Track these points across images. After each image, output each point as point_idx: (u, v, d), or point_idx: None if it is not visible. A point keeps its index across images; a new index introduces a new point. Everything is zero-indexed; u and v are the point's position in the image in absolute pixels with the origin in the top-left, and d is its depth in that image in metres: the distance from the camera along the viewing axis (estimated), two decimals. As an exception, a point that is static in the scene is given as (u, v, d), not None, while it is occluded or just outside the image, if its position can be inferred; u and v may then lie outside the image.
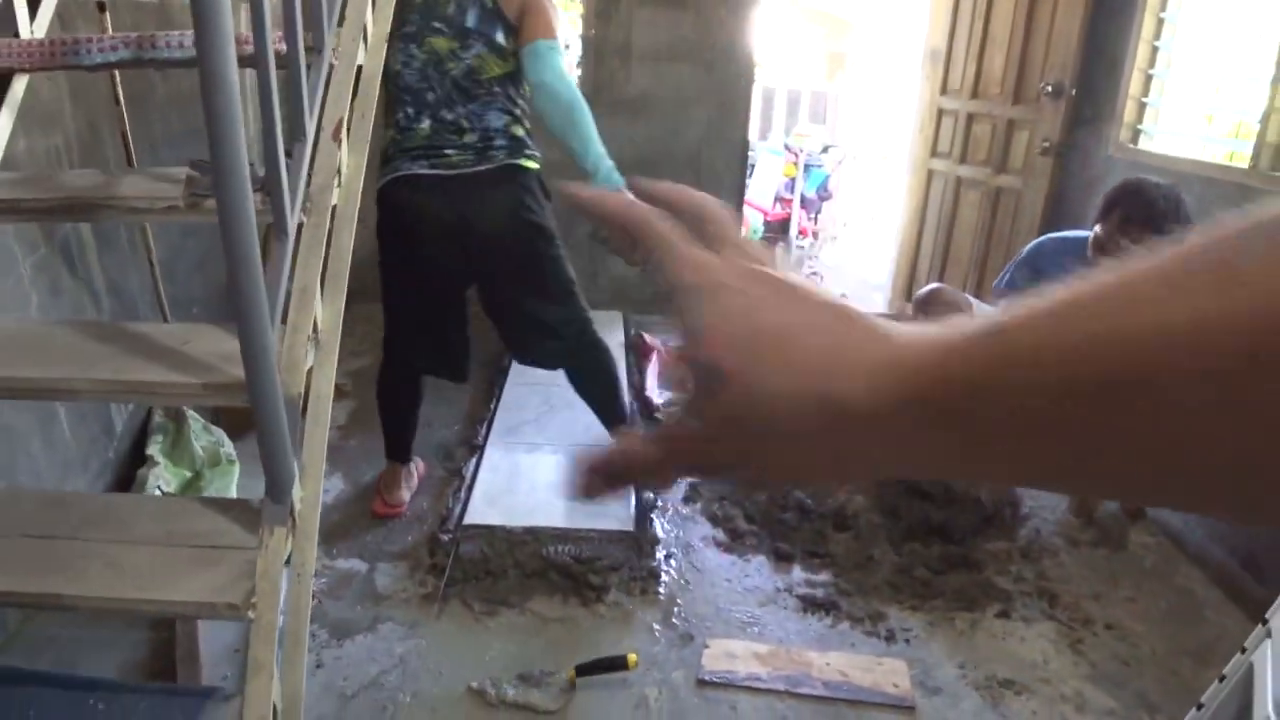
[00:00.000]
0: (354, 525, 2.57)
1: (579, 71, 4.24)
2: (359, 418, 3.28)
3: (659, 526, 2.53)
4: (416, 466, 2.75)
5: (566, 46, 2.48)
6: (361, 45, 1.93)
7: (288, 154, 1.56)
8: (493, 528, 2.37)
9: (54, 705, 1.53)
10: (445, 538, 2.39)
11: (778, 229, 5.48)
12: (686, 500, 2.69)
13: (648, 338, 3.75)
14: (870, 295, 5.10)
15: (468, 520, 2.42)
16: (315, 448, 1.71)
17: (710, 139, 4.26)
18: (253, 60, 1.44)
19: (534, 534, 2.34)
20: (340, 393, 3.49)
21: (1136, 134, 3.22)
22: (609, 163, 2.27)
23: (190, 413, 2.83)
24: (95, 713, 1.54)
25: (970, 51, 3.92)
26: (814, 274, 5.53)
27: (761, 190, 5.43)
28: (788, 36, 8.46)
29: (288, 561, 1.62)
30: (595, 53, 4.12)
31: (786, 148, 5.54)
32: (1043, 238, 2.83)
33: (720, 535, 2.52)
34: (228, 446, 2.85)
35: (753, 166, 5.57)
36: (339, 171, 1.85)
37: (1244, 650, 1.59)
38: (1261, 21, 2.81)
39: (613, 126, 4.21)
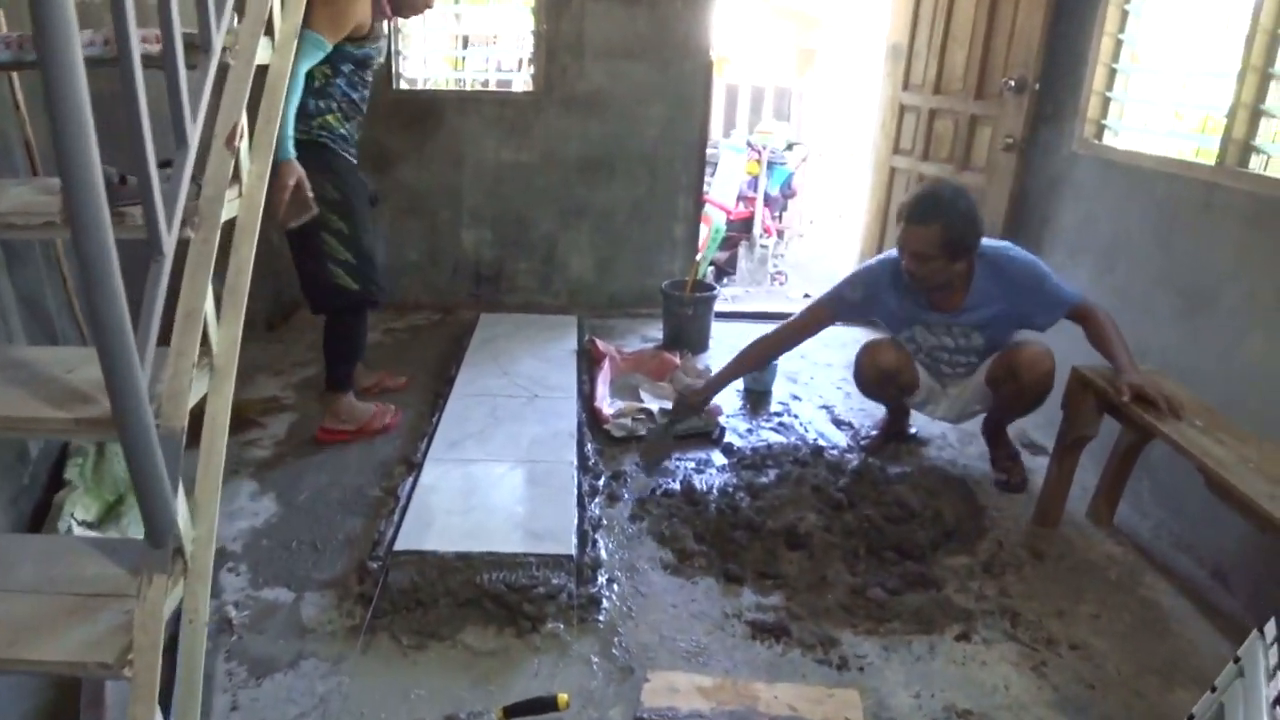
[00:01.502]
0: (283, 551, 2.43)
1: (531, 69, 4.09)
2: (299, 431, 3.13)
3: (602, 548, 2.40)
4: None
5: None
6: (266, 42, 1.79)
7: (165, 164, 1.42)
8: (424, 554, 2.23)
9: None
10: (374, 565, 2.25)
11: (741, 228, 5.35)
12: (633, 518, 2.57)
13: (600, 344, 3.61)
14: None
15: (398, 546, 2.27)
16: (209, 482, 1.57)
17: (667, 137, 4.13)
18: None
19: (467, 560, 2.20)
20: (280, 406, 3.34)
21: (1101, 130, 3.12)
22: (282, 137, 2.47)
23: (113, 432, 2.67)
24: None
25: (932, 47, 3.82)
26: (779, 273, 5.42)
27: (724, 189, 5.28)
28: (757, 33, 8.34)
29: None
30: (547, 48, 3.98)
31: (749, 145, 5.41)
32: (890, 260, 2.75)
33: (668, 556, 2.39)
34: (155, 466, 2.69)
35: (714, 165, 5.45)
36: (239, 180, 1.71)
37: (1214, 689, 1.49)
38: (1227, 13, 2.71)
39: (565, 124, 4.11)
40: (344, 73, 2.66)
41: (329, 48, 2.52)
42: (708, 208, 5.29)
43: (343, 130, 2.75)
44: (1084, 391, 2.41)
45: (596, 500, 2.62)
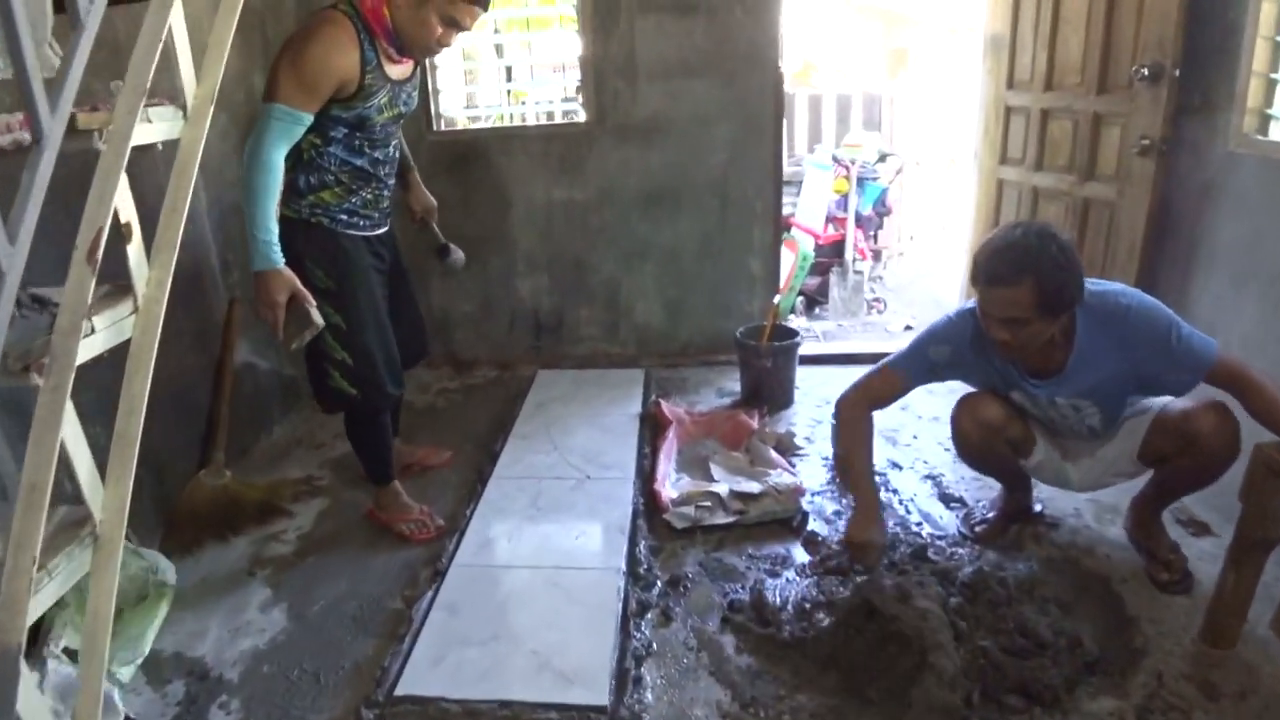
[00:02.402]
0: (283, 682, 2.08)
1: (579, 97, 3.70)
2: (327, 521, 2.81)
3: (648, 687, 1.95)
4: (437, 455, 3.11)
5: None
6: (171, 113, 1.44)
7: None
8: (427, 702, 1.85)
9: None
10: (370, 716, 1.88)
11: (831, 252, 4.82)
12: (690, 645, 2.10)
13: (666, 407, 3.16)
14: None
15: (400, 690, 1.90)
16: (90, 689, 1.21)
17: (736, 162, 3.67)
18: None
19: (474, 714, 1.81)
20: (312, 488, 3.04)
21: (1266, 121, 2.49)
22: (260, 239, 2.07)
23: (114, 539, 2.40)
24: None
25: (1040, 34, 3.23)
26: (876, 299, 4.86)
27: (810, 210, 4.78)
28: (842, 36, 7.76)
29: None
30: (595, 74, 3.58)
31: (835, 160, 4.88)
32: (969, 313, 2.22)
33: (727, 700, 1.92)
34: (163, 572, 2.41)
35: (799, 185, 4.95)
36: (134, 293, 1.35)
37: None
38: None
39: (622, 155, 3.69)
40: (337, 139, 2.23)
41: (307, 119, 2.09)
42: (793, 232, 4.81)
43: (347, 204, 2.32)
44: (1275, 483, 1.82)
45: (646, 619, 2.18)
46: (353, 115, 2.20)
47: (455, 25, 2.19)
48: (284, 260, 2.09)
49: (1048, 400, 2.21)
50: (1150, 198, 2.80)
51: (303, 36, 2.09)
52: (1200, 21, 2.65)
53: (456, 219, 3.77)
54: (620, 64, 3.56)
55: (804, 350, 3.61)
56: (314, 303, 2.13)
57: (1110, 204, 2.98)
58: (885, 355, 2.39)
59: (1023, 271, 1.93)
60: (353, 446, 2.65)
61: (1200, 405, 2.05)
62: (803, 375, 3.60)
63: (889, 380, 2.32)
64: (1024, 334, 2.01)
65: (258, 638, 2.26)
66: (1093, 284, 2.07)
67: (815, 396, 3.52)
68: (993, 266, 1.98)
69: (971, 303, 2.20)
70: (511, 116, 4.34)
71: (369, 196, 2.37)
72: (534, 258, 3.87)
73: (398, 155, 2.50)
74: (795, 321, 4.62)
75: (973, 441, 2.34)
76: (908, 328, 4.33)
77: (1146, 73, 2.75)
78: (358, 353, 2.37)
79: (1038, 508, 2.58)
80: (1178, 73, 2.69)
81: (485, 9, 2.24)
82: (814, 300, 4.88)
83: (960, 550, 2.37)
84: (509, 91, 4.55)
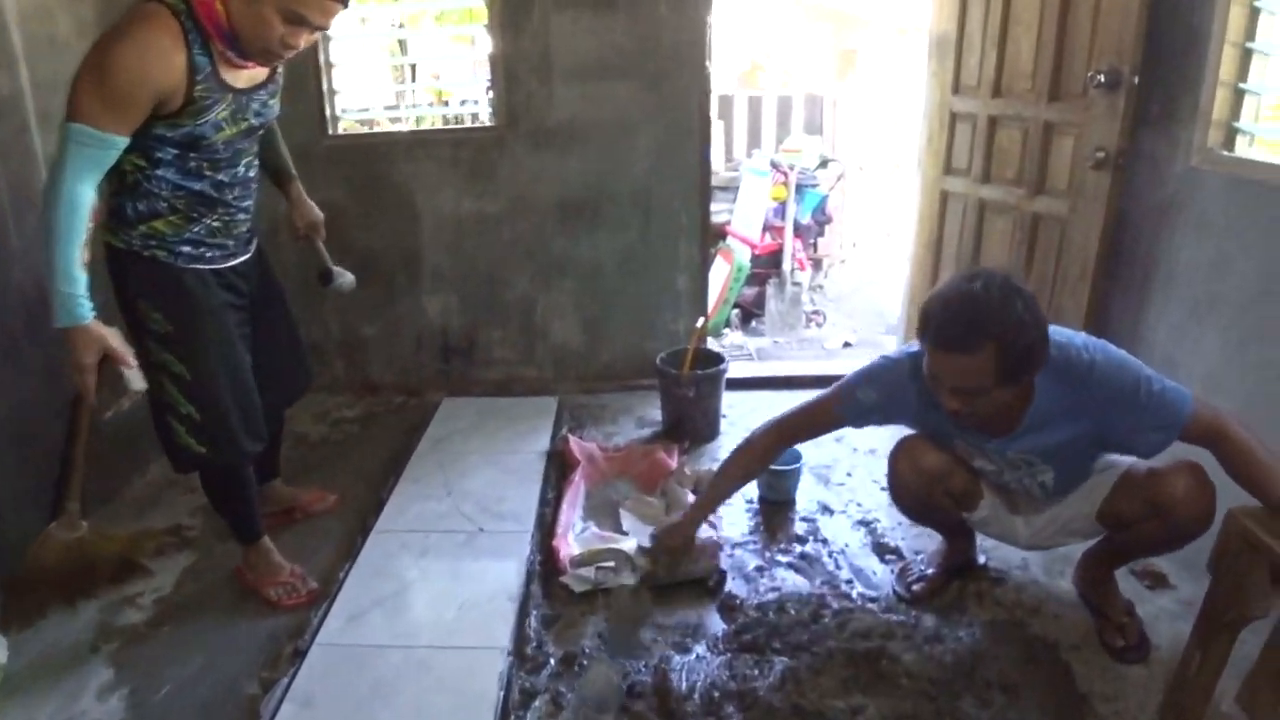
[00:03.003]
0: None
1: (490, 95, 3.37)
2: (190, 580, 2.46)
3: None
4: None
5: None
6: None
7: None
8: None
9: None
10: None
11: (769, 262, 4.55)
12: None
13: (574, 444, 2.85)
14: (882, 339, 4.16)
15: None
16: None
17: (661, 171, 3.37)
18: None
19: None
20: (180, 540, 2.68)
21: (1232, 135, 2.26)
22: (62, 292, 1.69)
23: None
24: None
25: (989, 35, 2.97)
26: (815, 312, 4.60)
27: (747, 219, 4.51)
28: (791, 37, 7.52)
29: None
30: (506, 73, 3.25)
31: (773, 165, 4.61)
32: (913, 357, 1.94)
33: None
34: (-3, 654, 2.07)
35: (736, 190, 4.68)
36: None
37: None
38: None
39: (536, 163, 3.36)
40: (165, 161, 1.86)
41: (118, 143, 1.72)
42: (729, 241, 4.54)
43: (188, 234, 1.94)
44: (1252, 557, 1.56)
45: (532, 708, 1.87)
46: (181, 134, 1.82)
47: (302, 23, 1.79)
48: (94, 314, 1.73)
49: (997, 454, 1.95)
50: (1105, 215, 2.56)
51: (111, 38, 1.69)
52: (1163, 25, 2.41)
53: (357, 231, 3.44)
54: (534, 63, 3.24)
55: (733, 373, 3.33)
56: (132, 364, 1.79)
57: (1061, 220, 2.73)
58: (821, 378, 2.19)
59: (983, 336, 1.62)
60: (211, 505, 2.32)
61: (1172, 468, 1.80)
62: (731, 401, 3.32)
63: (820, 413, 2.09)
64: (979, 403, 1.72)
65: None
66: (1053, 333, 1.77)
67: (743, 426, 3.21)
68: (946, 329, 1.66)
69: (916, 347, 1.90)
70: (419, 120, 4.00)
71: (215, 224, 1.99)
72: (441, 274, 3.54)
73: (254, 173, 2.12)
74: (730, 336, 4.36)
75: (911, 490, 2.09)
76: (846, 344, 4.09)
77: (1103, 79, 2.51)
78: (205, 406, 2.02)
79: (981, 559, 2.32)
80: (1137, 80, 2.44)
81: (345, 5, 1.89)
82: (750, 313, 4.61)
83: (893, 618, 2.10)
84: (405, 92, 4.19)
